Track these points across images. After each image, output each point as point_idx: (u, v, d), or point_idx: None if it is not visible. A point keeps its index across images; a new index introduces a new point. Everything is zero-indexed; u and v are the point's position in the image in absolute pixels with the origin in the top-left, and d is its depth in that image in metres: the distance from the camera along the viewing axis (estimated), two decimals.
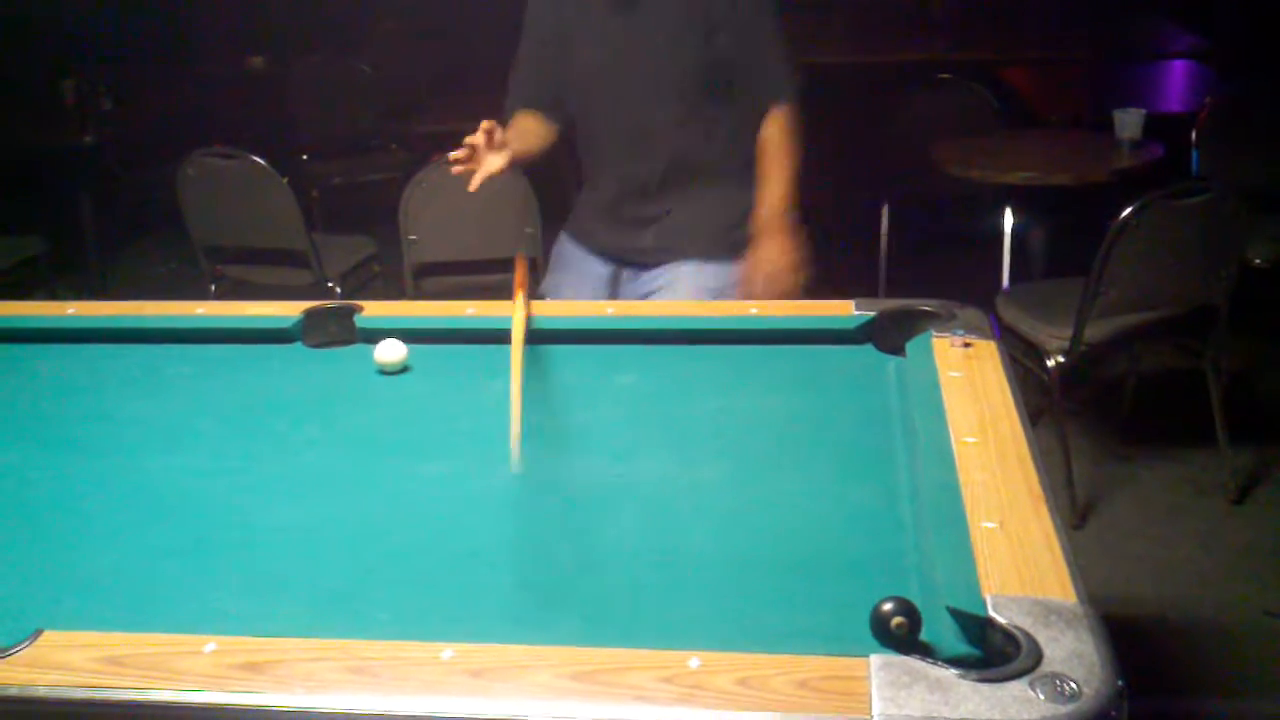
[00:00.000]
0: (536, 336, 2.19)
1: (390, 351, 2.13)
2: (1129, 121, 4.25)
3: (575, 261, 2.98)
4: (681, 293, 2.76)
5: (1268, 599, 3.10)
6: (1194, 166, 4.39)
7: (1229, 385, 3.62)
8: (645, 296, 2.84)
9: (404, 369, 2.13)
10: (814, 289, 2.72)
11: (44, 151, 5.54)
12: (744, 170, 2.77)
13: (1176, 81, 5.67)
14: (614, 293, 2.91)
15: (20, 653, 1.27)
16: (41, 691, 1.23)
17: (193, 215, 4.40)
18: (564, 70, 2.81)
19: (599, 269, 2.93)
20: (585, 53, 2.77)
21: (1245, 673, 2.86)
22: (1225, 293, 3.43)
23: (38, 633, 1.30)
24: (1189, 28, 6.03)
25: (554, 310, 2.41)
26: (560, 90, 2.84)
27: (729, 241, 2.76)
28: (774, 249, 2.72)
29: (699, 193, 2.80)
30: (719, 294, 2.73)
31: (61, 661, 1.26)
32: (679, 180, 2.81)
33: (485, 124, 2.42)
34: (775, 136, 2.76)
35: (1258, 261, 3.85)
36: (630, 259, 2.90)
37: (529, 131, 2.79)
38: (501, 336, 2.19)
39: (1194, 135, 4.39)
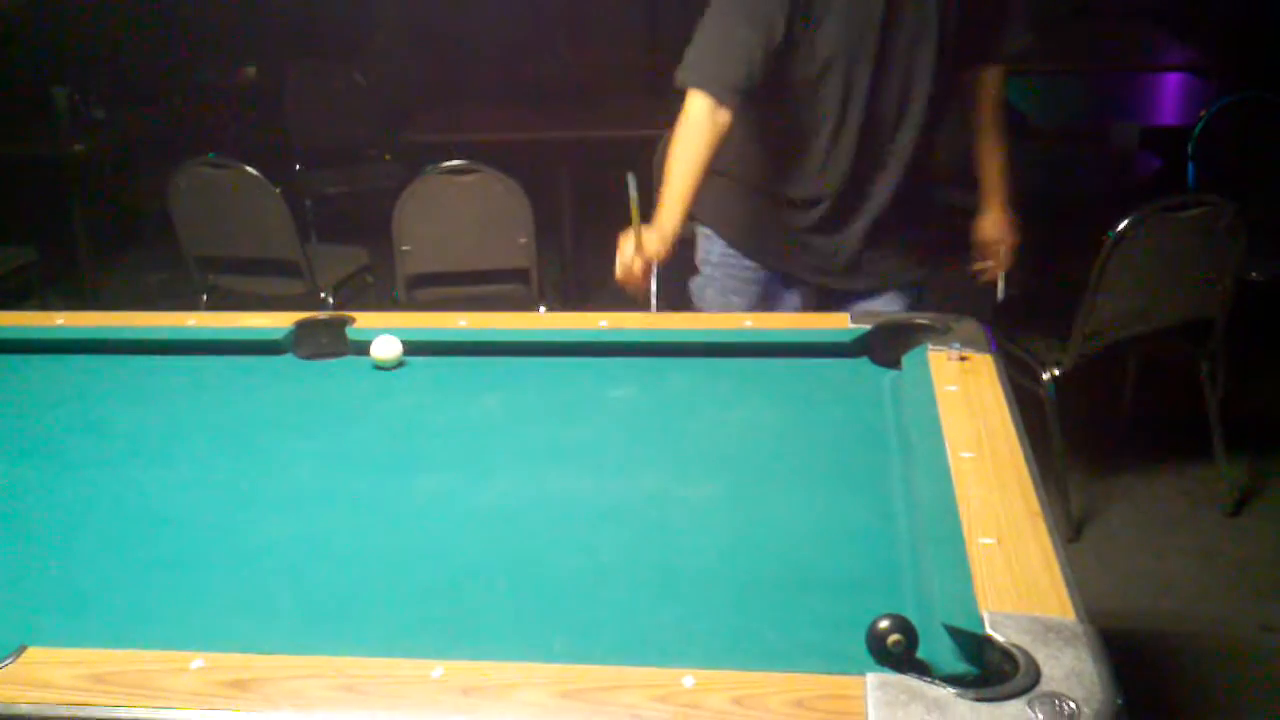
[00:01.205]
0: (532, 349, 2.18)
1: (386, 348, 2.12)
2: (1125, 134, 4.25)
3: (751, 283, 2.75)
4: None
5: (1265, 612, 3.09)
6: (1190, 180, 4.39)
7: (1225, 398, 3.61)
8: None
9: (400, 365, 2.12)
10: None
11: (34, 160, 5.52)
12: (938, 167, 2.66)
13: (1172, 95, 5.67)
14: None
15: (3, 669, 1.25)
16: (25, 709, 1.21)
17: (184, 225, 4.38)
18: (789, 52, 2.46)
19: (792, 300, 2.74)
20: (833, 26, 2.41)
21: (1243, 689, 2.84)
22: (1222, 306, 3.42)
23: (22, 649, 1.28)
24: (1185, 41, 6.04)
25: (548, 323, 2.39)
26: (767, 77, 2.47)
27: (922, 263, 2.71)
28: (999, 229, 2.76)
29: (918, 198, 2.63)
30: None
31: (46, 679, 1.24)
32: (909, 182, 2.59)
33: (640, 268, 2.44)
34: (990, 99, 2.68)
35: (1254, 275, 3.84)
36: (833, 285, 2.71)
37: (711, 142, 2.48)
38: (494, 348, 2.18)
39: (1190, 148, 4.38)
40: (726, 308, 2.75)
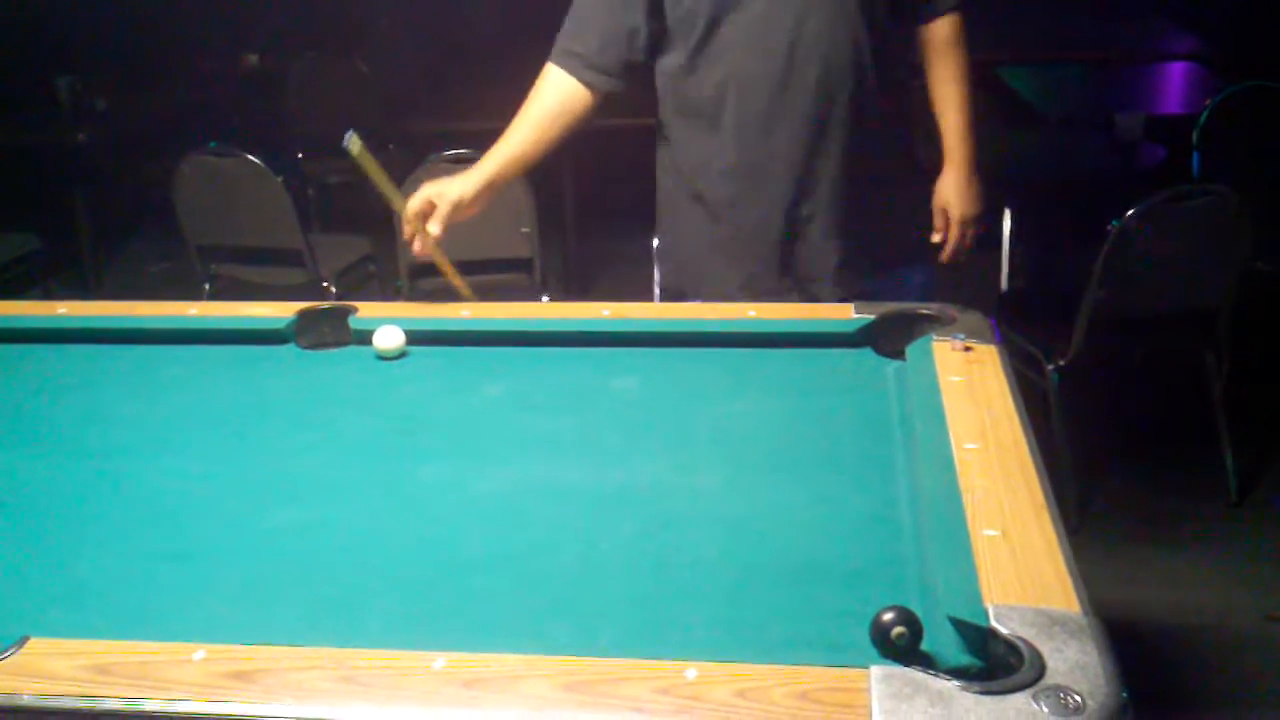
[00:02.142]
0: (534, 339, 2.17)
1: (389, 338, 2.12)
2: (1129, 124, 4.23)
3: None
4: None
5: (1270, 603, 3.09)
6: (1195, 169, 4.38)
7: (1229, 388, 3.61)
8: None
9: (402, 354, 2.12)
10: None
11: (37, 149, 5.52)
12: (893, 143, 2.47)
13: (1177, 83, 5.66)
14: None
15: (6, 660, 1.25)
16: (27, 700, 1.21)
17: (187, 214, 4.38)
18: (663, 17, 2.39)
19: None
20: None
21: (1248, 680, 2.84)
22: (1226, 296, 3.42)
23: (24, 639, 1.28)
24: (1189, 29, 6.02)
25: (550, 313, 2.39)
26: (642, 47, 2.42)
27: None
28: (956, 194, 2.55)
29: (875, 172, 2.44)
30: None
31: (48, 669, 1.24)
32: (861, 153, 2.41)
33: (417, 208, 2.35)
34: (947, 47, 2.49)
35: (1259, 265, 3.83)
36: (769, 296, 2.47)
37: (550, 116, 2.45)
38: (496, 338, 2.18)
39: (1195, 138, 4.37)
40: None
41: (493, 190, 2.43)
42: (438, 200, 2.36)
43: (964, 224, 2.60)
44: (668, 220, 2.64)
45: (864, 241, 2.47)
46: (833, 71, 2.35)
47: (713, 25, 2.35)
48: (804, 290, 2.48)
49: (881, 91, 2.40)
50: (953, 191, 2.58)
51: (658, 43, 2.44)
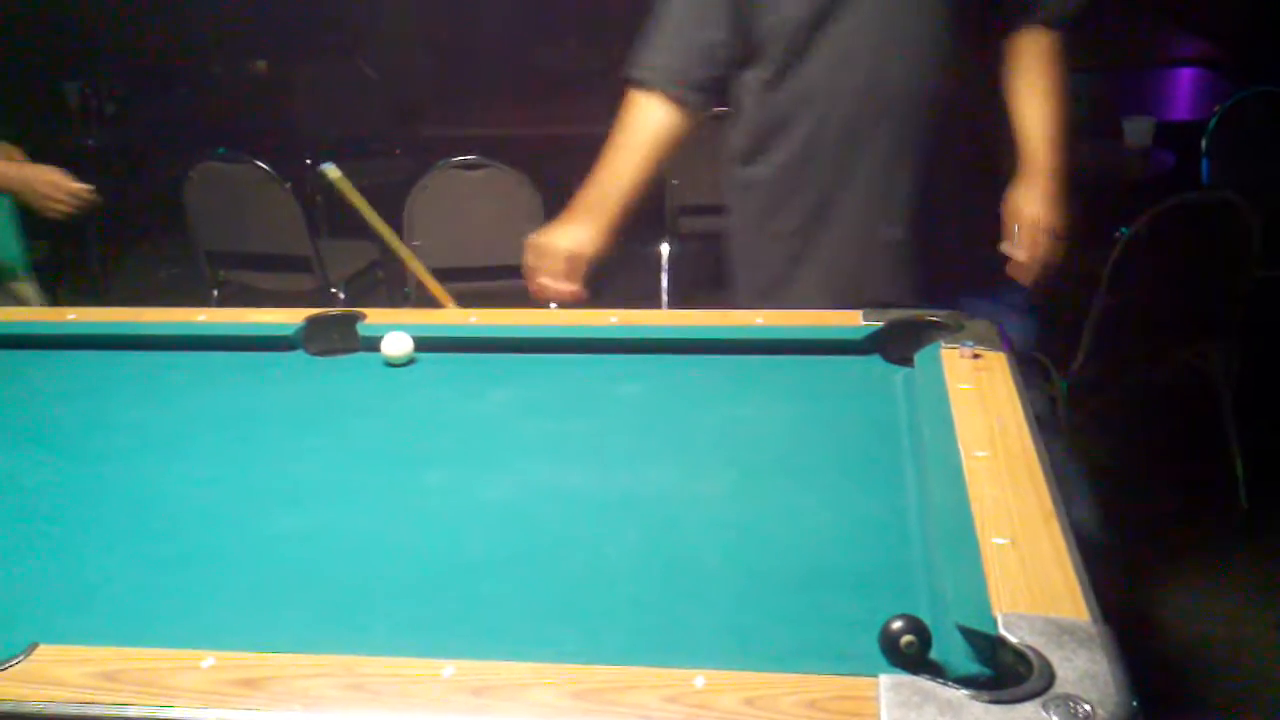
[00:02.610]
0: (542, 345, 2.17)
1: (397, 344, 2.12)
2: (1138, 129, 4.23)
3: None
4: None
5: (1279, 610, 3.08)
6: (1205, 175, 4.37)
7: (1239, 394, 3.60)
8: None
9: (410, 361, 2.12)
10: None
11: (46, 155, 5.52)
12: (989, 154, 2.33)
13: (1186, 89, 5.65)
14: None
15: (14, 667, 1.25)
16: (35, 707, 1.20)
17: (196, 220, 4.39)
18: (753, 22, 2.29)
19: None
20: None
21: (1257, 687, 2.83)
22: (1236, 302, 3.41)
23: (32, 646, 1.28)
24: (1198, 35, 6.01)
25: (558, 319, 2.39)
26: (723, 60, 2.34)
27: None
28: (1034, 202, 2.29)
29: (961, 195, 2.33)
30: None
31: (56, 676, 1.24)
32: (946, 174, 2.31)
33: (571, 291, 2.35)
34: (1037, 62, 2.33)
35: (1269, 272, 3.82)
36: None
37: (648, 143, 2.38)
38: (504, 344, 2.18)
39: (1204, 143, 4.36)
40: None
41: (612, 233, 2.40)
42: (553, 255, 2.35)
43: (1044, 231, 2.30)
44: (745, 243, 2.52)
45: (949, 266, 2.35)
46: (923, 88, 2.27)
47: (801, 39, 2.27)
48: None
49: (972, 110, 2.32)
50: (1032, 197, 2.31)
51: (738, 57, 2.34)
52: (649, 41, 2.39)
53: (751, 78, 2.36)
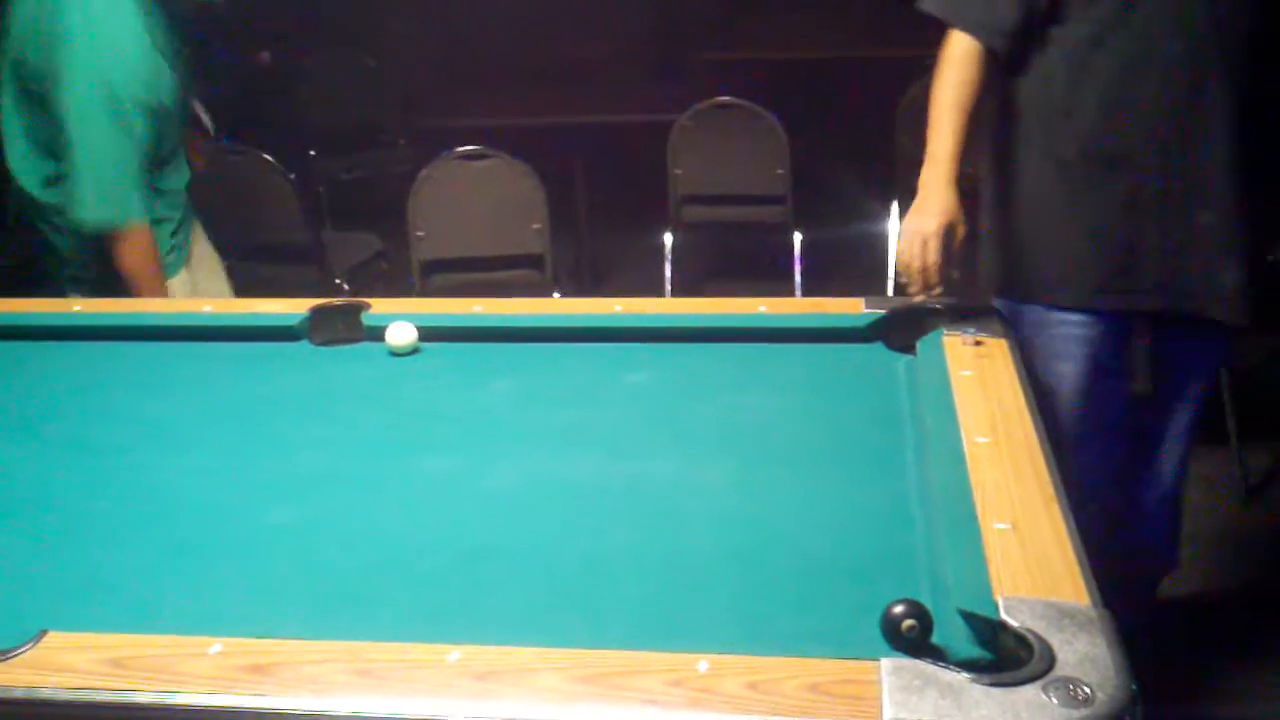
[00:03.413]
0: (546, 335, 2.18)
1: (401, 334, 2.13)
2: None
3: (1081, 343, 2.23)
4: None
5: None
6: None
7: (1240, 382, 3.60)
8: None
9: (415, 350, 2.13)
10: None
11: None
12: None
13: None
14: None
15: (24, 654, 1.26)
16: (45, 693, 1.22)
17: (198, 210, 4.39)
18: None
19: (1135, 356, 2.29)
20: None
21: (1258, 674, 2.84)
22: (1237, 290, 3.40)
23: (42, 634, 1.29)
24: None
25: (562, 309, 2.40)
26: (1043, 9, 2.14)
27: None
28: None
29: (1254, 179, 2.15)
30: None
31: (66, 663, 1.25)
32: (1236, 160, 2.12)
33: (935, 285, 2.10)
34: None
35: (1270, 257, 3.82)
36: (1184, 307, 2.21)
37: (975, 90, 2.17)
38: (508, 334, 2.19)
39: None
40: (1059, 379, 2.26)
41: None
42: (936, 235, 2.12)
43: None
44: (1026, 199, 2.29)
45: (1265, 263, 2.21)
46: (1253, 55, 2.10)
47: None
48: (1182, 306, 2.25)
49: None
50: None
51: (1056, 8, 2.15)
52: None
53: (1071, 33, 2.16)
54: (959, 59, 2.19)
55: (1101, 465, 2.37)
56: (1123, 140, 2.17)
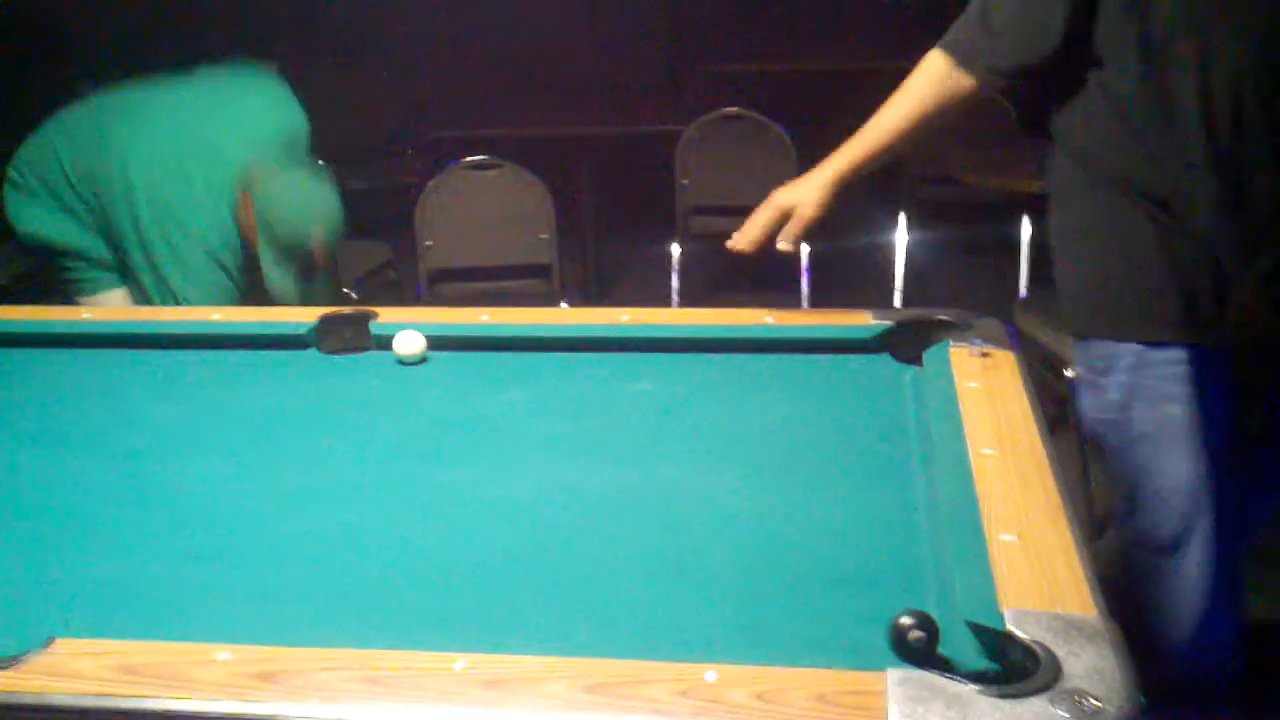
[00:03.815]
0: (553, 344, 2.18)
1: (409, 343, 2.13)
2: None
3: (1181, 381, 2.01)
4: None
5: None
6: None
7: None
8: None
9: (422, 360, 2.14)
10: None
11: None
12: None
13: None
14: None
15: (33, 660, 1.27)
16: (54, 699, 1.22)
17: None
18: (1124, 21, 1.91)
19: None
20: None
21: (1266, 686, 2.83)
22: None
23: (51, 639, 1.29)
24: None
25: (569, 318, 2.40)
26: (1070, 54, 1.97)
27: None
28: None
29: None
30: None
31: (75, 669, 1.25)
32: None
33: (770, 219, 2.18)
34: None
35: None
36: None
37: (932, 106, 2.13)
38: (516, 343, 2.19)
39: None
40: (1168, 423, 2.04)
41: (840, 191, 2.20)
42: (772, 207, 2.22)
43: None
44: (1100, 236, 2.08)
45: None
46: None
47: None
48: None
49: None
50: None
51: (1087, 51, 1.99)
52: (978, 20, 2.07)
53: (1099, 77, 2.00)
54: (929, 65, 2.14)
55: (1230, 510, 2.14)
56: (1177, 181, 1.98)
